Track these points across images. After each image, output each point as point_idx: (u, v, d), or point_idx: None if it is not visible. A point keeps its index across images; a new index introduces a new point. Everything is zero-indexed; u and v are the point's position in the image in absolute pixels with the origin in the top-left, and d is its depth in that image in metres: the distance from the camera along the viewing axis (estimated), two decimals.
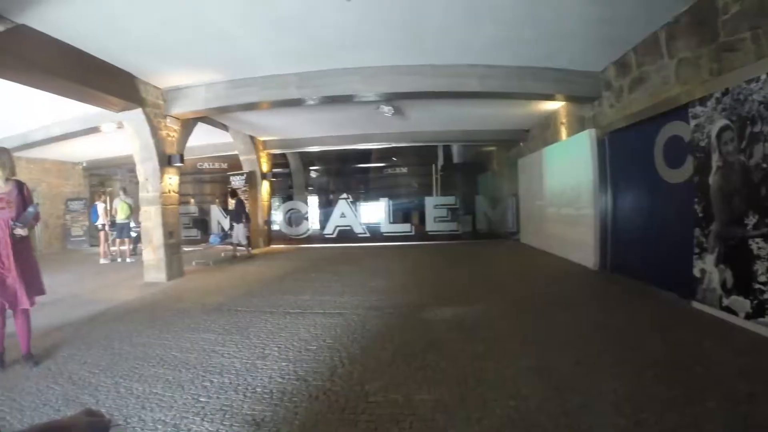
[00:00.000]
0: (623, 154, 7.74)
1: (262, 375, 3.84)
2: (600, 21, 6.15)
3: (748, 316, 4.53)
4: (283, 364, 4.10)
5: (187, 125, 9.49)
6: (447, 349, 4.35)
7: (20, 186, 4.28)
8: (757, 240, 4.41)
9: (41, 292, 4.46)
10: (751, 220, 4.50)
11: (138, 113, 8.15)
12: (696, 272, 5.40)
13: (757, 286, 4.40)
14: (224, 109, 9.26)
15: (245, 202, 13.76)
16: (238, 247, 12.72)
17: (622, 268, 7.66)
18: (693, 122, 5.45)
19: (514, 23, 6.26)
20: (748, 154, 4.52)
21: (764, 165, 4.30)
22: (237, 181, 14.85)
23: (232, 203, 13.47)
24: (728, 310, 4.82)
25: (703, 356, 3.89)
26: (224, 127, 12.68)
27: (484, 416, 2.97)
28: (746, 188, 4.58)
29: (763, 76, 4.28)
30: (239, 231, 12.70)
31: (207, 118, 10.55)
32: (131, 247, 12.78)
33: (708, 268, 5.20)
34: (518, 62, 7.87)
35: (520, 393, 3.29)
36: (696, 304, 5.37)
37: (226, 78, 8.29)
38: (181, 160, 9.08)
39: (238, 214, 12.85)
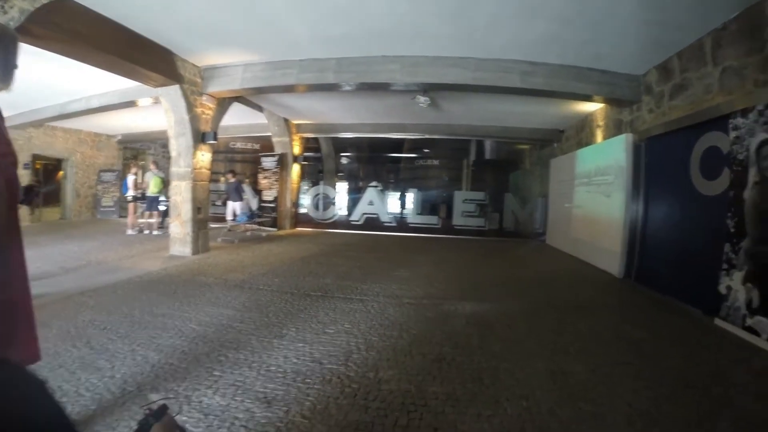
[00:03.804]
0: (659, 162, 7.56)
1: (278, 354, 3.90)
2: (648, 23, 6.01)
3: None
4: (299, 345, 4.16)
5: (223, 104, 9.63)
6: (464, 344, 4.36)
7: None
8: None
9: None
10: None
11: (175, 89, 8.32)
12: (722, 289, 5.25)
13: None
14: (260, 90, 9.31)
15: (244, 183, 14.10)
16: (232, 223, 12.99)
17: (646, 279, 7.52)
18: (733, 134, 5.28)
19: (563, 20, 6.14)
20: None
21: None
22: (268, 162, 15.02)
23: (228, 180, 13.68)
24: (751, 330, 4.69)
25: (720, 376, 3.81)
26: (259, 108, 12.80)
27: (495, 414, 2.98)
28: None
29: None
30: (235, 207, 13.07)
31: (242, 98, 10.67)
32: (159, 220, 13.05)
33: (735, 285, 5.06)
34: (562, 61, 7.75)
35: (533, 395, 3.28)
36: (719, 322, 5.24)
37: (265, 59, 8.34)
38: (215, 137, 9.23)
39: (237, 193, 13.15)
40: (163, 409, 2.05)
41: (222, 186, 15.51)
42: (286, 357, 3.84)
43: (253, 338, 4.28)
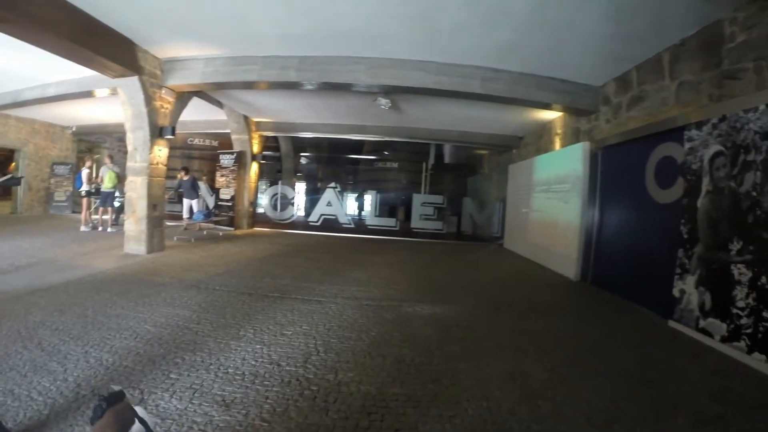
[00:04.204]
0: (615, 170, 7.79)
1: (235, 356, 3.82)
2: (609, 37, 6.18)
3: (723, 339, 4.59)
4: (257, 346, 4.08)
5: (182, 98, 9.34)
6: (423, 346, 4.36)
7: None
8: (740, 266, 4.46)
9: None
10: (736, 245, 4.54)
11: (134, 81, 8.00)
12: (675, 292, 5.45)
13: (735, 311, 4.45)
14: (221, 85, 9.09)
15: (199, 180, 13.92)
16: (188, 221, 12.77)
17: (602, 282, 7.73)
18: (687, 145, 5.48)
19: (527, 30, 6.24)
20: (739, 181, 4.56)
21: (754, 193, 4.35)
22: (226, 160, 14.70)
23: (181, 178, 13.49)
24: (704, 331, 4.88)
25: (675, 375, 3.94)
26: (219, 104, 12.53)
27: (456, 415, 2.99)
28: (734, 214, 4.62)
29: (762, 107, 4.32)
30: (192, 205, 12.97)
31: (203, 92, 10.41)
32: (113, 216, 12.54)
33: (688, 289, 5.26)
34: (523, 69, 7.87)
35: (493, 395, 3.31)
36: (672, 323, 5.43)
37: (227, 54, 8.14)
38: (173, 132, 8.93)
39: (194, 190, 13.00)
40: (119, 395, 1.93)
41: (175, 183, 15.09)
42: (244, 359, 3.77)
43: (210, 340, 4.17)
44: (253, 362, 3.71)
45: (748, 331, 4.27)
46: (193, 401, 2.99)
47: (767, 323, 4.07)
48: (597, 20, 5.73)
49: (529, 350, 4.40)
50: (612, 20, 5.69)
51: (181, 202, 13.78)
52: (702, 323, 4.94)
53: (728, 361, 4.33)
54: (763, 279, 4.15)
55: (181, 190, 13.71)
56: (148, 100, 8.30)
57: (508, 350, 4.38)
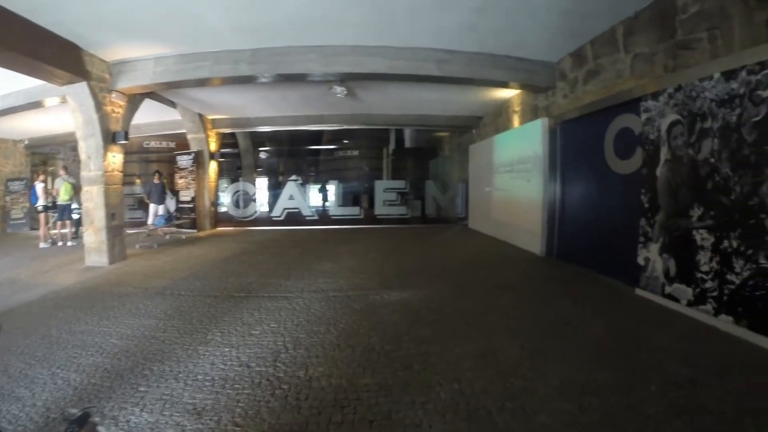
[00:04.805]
0: (574, 144, 7.90)
1: (204, 361, 3.75)
2: (563, 12, 6.22)
3: (689, 304, 4.73)
4: (226, 349, 4.02)
5: (134, 101, 9.00)
6: (392, 333, 4.36)
7: None
8: (701, 231, 4.58)
9: None
10: (696, 212, 4.66)
11: (83, 87, 7.67)
12: (640, 261, 5.59)
13: (700, 275, 4.58)
14: (173, 85, 8.79)
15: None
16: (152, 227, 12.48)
17: (568, 255, 7.87)
18: (644, 116, 5.58)
19: (482, 10, 6.23)
20: (697, 149, 4.66)
21: (711, 160, 4.46)
22: (184, 161, 14.33)
23: (153, 181, 13.10)
24: (671, 297, 5.02)
25: (645, 342, 4.04)
26: (172, 104, 12.14)
27: (429, 400, 3.00)
28: (693, 181, 4.73)
29: (716, 75, 4.40)
30: (159, 210, 12.62)
31: (155, 94, 10.07)
32: (73, 229, 12.08)
33: (652, 256, 5.39)
34: (479, 49, 7.87)
35: (465, 377, 3.34)
36: (639, 291, 5.57)
37: (177, 52, 7.87)
38: (126, 137, 8.59)
39: (162, 194, 12.73)
40: (85, 416, 1.87)
41: (137, 188, 14.66)
42: (213, 363, 3.70)
43: (177, 347, 4.08)
44: (222, 366, 3.64)
45: (714, 294, 4.40)
46: (164, 413, 2.92)
47: (732, 285, 4.19)
48: None
49: (498, 328, 4.46)
50: None
51: (142, 208, 13.40)
52: (668, 289, 5.08)
53: (696, 324, 4.47)
54: (725, 243, 4.28)
55: (148, 194, 13.32)
56: (98, 105, 7.97)
57: (478, 330, 4.43)
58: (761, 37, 4.14)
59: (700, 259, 4.59)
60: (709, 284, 4.46)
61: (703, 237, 4.57)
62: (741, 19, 4.40)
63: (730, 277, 4.20)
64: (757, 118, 3.95)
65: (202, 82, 8.59)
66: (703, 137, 4.57)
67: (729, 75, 4.25)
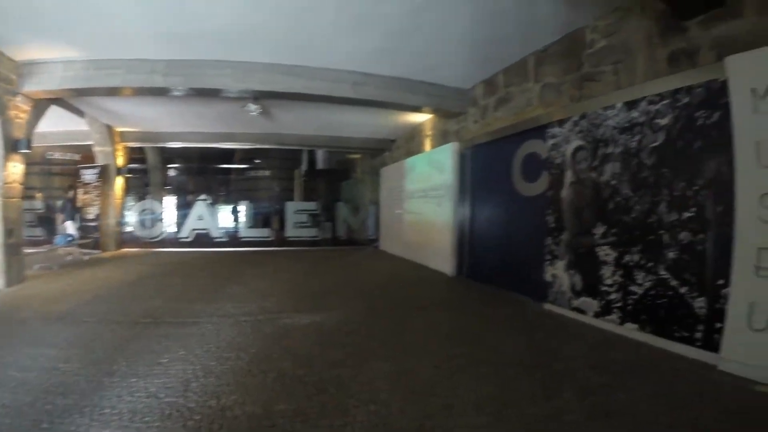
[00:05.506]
0: (483, 168, 8.26)
1: (110, 393, 3.44)
2: (477, 41, 6.57)
3: (596, 315, 5.11)
4: (133, 380, 3.72)
5: (40, 107, 8.26)
6: (305, 356, 4.27)
7: None
8: (604, 248, 5.00)
9: None
10: (599, 230, 5.09)
11: None
12: (548, 277, 5.97)
13: (604, 288, 4.99)
14: (83, 92, 8.24)
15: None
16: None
17: (478, 275, 8.17)
18: (550, 141, 6.03)
19: (400, 35, 6.42)
20: (599, 172, 5.12)
21: (613, 182, 4.91)
22: (89, 175, 13.32)
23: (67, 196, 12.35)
24: (578, 310, 5.40)
25: (557, 353, 4.27)
26: (80, 113, 11.29)
27: (346, 423, 2.94)
28: (596, 202, 5.17)
29: (619, 105, 4.91)
30: (67, 227, 11.81)
31: (62, 100, 9.32)
32: None
33: (559, 273, 5.78)
34: (395, 73, 8.10)
35: (380, 398, 3.30)
36: (548, 306, 5.93)
37: (89, 56, 7.36)
38: (29, 146, 7.82)
39: (72, 210, 11.99)
40: None
41: (38, 203, 13.51)
42: (120, 396, 3.41)
43: (81, 379, 3.73)
44: (129, 398, 3.37)
45: (618, 304, 4.80)
46: None
47: (635, 296, 4.60)
48: (468, 25, 6.06)
49: (412, 348, 4.49)
50: (482, 25, 6.05)
51: (42, 225, 12.36)
52: (575, 303, 5.46)
53: (604, 334, 4.82)
54: (627, 257, 4.69)
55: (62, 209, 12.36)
56: (2, 108, 7.22)
57: (392, 350, 4.43)
58: (662, 71, 4.64)
59: (604, 273, 5.00)
60: (613, 296, 4.86)
61: (606, 253, 4.98)
62: (644, 54, 4.91)
63: (633, 288, 4.60)
64: (655, 144, 4.43)
65: (113, 91, 8.13)
66: (606, 161, 5.02)
67: (631, 105, 4.74)
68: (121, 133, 13.63)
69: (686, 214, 4.13)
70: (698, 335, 3.99)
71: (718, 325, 3.78)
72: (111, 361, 4.15)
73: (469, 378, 3.66)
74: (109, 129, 13.01)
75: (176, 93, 8.12)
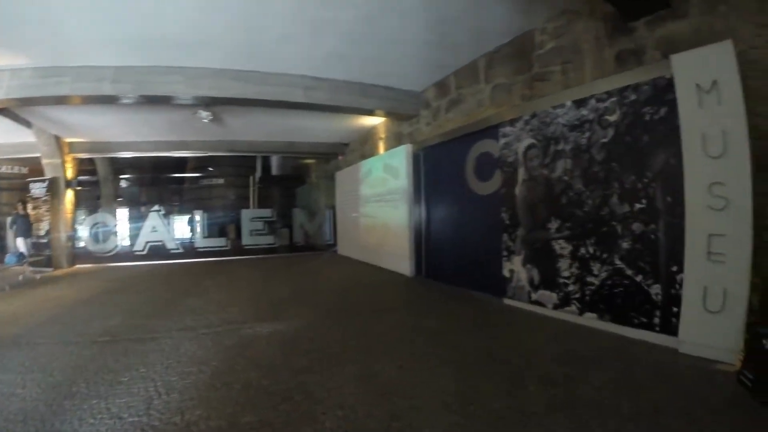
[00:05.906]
0: (438, 168, 8.41)
1: (71, 417, 3.31)
2: (430, 45, 6.67)
3: (555, 307, 5.28)
4: (94, 401, 3.58)
5: None
6: (268, 366, 4.23)
7: None
8: (560, 241, 5.16)
9: None
10: (554, 224, 5.26)
11: None
12: (505, 273, 6.11)
13: (562, 280, 5.15)
14: (30, 101, 7.93)
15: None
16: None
17: (437, 274, 8.30)
18: (502, 140, 6.19)
19: (352, 39, 6.46)
20: (551, 169, 5.29)
21: (565, 178, 5.08)
22: (37, 189, 12.69)
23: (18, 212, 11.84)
24: (537, 303, 5.55)
25: (520, 347, 4.37)
26: (27, 124, 10.74)
27: (315, 431, 2.94)
28: (549, 198, 5.34)
29: (568, 103, 5.10)
30: (26, 245, 11.36)
31: (8, 110, 8.94)
32: None
33: (516, 268, 5.93)
34: (348, 77, 8.14)
35: (347, 402, 3.31)
36: (507, 301, 6.07)
37: (36, 64, 7.06)
38: None
39: (27, 227, 11.49)
40: None
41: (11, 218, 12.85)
42: (81, 419, 3.28)
43: (40, 404, 3.57)
44: (91, 421, 3.25)
45: (577, 295, 4.97)
46: None
47: (592, 286, 4.77)
48: (420, 30, 6.16)
49: (375, 352, 4.49)
50: (434, 30, 6.16)
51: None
52: (534, 296, 5.61)
53: (564, 325, 4.97)
54: (583, 250, 4.85)
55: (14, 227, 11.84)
56: None
57: (356, 354, 4.45)
58: (610, 69, 4.84)
59: (560, 266, 5.16)
60: (571, 288, 5.03)
61: (561, 246, 5.14)
62: (592, 55, 5.11)
63: (590, 279, 4.77)
64: (605, 140, 4.61)
65: (61, 100, 7.79)
66: (557, 158, 5.19)
67: (580, 103, 4.93)
68: (70, 144, 13.03)
69: (638, 206, 4.33)
70: (657, 321, 4.18)
71: (675, 309, 3.97)
72: (70, 383, 3.99)
73: (433, 377, 3.70)
74: (58, 140, 12.42)
75: (126, 101, 7.89)
